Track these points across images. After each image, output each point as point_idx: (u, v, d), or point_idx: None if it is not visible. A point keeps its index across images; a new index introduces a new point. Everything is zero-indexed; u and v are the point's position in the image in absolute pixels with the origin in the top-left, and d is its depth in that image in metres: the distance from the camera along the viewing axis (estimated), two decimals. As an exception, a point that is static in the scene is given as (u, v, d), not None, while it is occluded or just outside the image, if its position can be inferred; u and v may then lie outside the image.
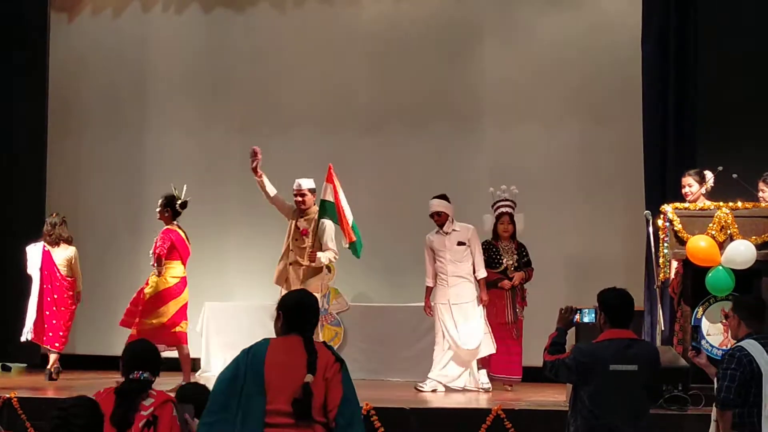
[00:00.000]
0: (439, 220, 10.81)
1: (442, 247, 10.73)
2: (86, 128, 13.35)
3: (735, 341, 6.50)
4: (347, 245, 10.25)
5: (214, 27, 13.28)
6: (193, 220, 12.58)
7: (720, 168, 9.45)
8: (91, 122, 13.35)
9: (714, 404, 6.43)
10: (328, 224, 10.22)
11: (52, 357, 11.34)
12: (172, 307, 10.34)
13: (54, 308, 11.47)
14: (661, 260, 9.04)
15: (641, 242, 10.29)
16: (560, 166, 12.27)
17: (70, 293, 11.55)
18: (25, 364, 12.28)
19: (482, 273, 10.65)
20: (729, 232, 8.80)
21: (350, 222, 10.21)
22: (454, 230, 10.76)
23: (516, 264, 10.84)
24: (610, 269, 11.54)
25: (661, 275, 9.12)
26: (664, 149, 11.10)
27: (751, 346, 6.24)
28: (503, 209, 10.91)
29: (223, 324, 12.18)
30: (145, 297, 10.33)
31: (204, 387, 6.01)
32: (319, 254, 10.07)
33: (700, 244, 8.76)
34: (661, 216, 9.00)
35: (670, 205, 9.04)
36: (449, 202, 10.86)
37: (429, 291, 10.81)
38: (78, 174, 13.25)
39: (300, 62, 12.99)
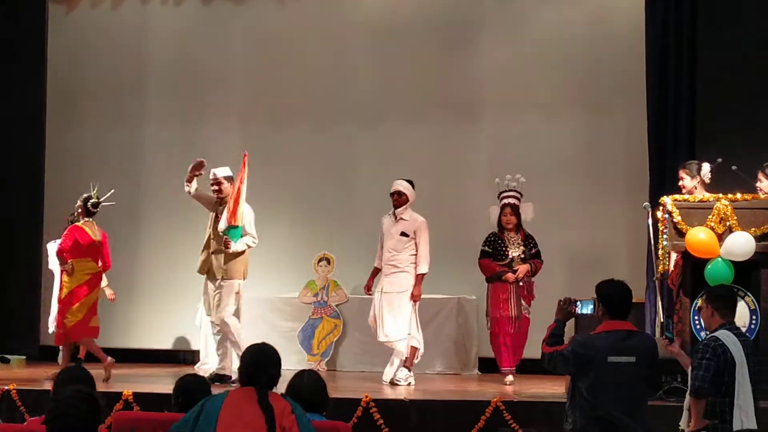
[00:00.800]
0: (398, 201, 10.61)
1: (387, 233, 10.55)
2: (85, 120, 13.32)
3: (709, 332, 6.54)
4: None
5: (212, 18, 13.25)
6: (192, 213, 12.61)
7: (719, 160, 9.45)
8: (90, 114, 13.33)
9: (687, 393, 6.47)
10: (247, 210, 10.31)
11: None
12: (85, 304, 10.51)
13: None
14: (660, 252, 9.04)
15: (643, 234, 10.28)
16: (561, 158, 12.25)
17: None
18: (24, 356, 12.28)
19: (423, 269, 10.42)
20: (728, 223, 8.79)
21: (240, 209, 10.23)
22: (402, 218, 10.57)
23: (523, 256, 10.60)
24: (611, 261, 11.54)
25: (660, 267, 9.12)
26: (665, 139, 11.10)
27: (726, 336, 6.31)
28: (506, 200, 10.69)
29: (221, 316, 12.15)
30: (60, 297, 10.57)
31: (202, 378, 6.02)
32: (234, 243, 10.25)
33: (699, 236, 8.75)
34: (661, 208, 8.99)
35: (670, 197, 9.03)
36: (413, 188, 10.71)
37: (375, 272, 10.69)
38: (76, 165, 13.21)
39: (299, 54, 12.97)
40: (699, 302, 8.70)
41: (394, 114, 12.77)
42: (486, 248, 10.69)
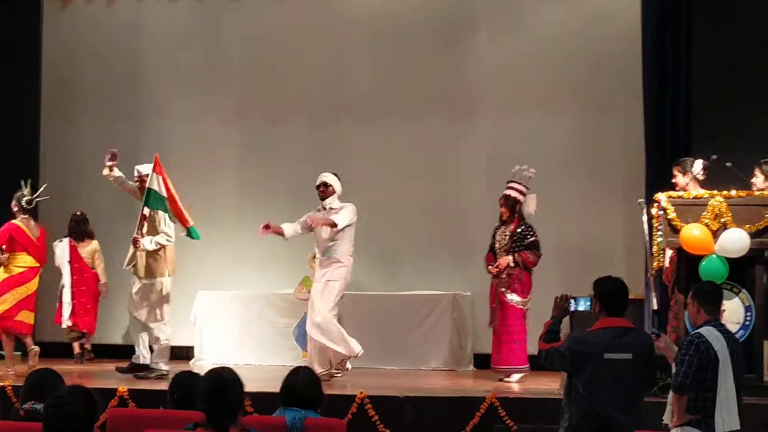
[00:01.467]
0: (324, 192, 10.53)
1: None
2: (80, 116, 13.31)
3: (694, 328, 6.56)
4: (184, 232, 10.50)
5: (208, 14, 13.23)
6: (188, 209, 12.59)
7: (714, 156, 9.46)
8: (86, 110, 13.32)
9: (671, 388, 6.49)
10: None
11: (79, 341, 12.03)
12: (14, 295, 10.81)
13: (85, 296, 11.97)
14: (654, 249, 9.06)
15: (640, 230, 10.27)
16: (558, 156, 12.23)
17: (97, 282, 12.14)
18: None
19: (337, 220, 10.28)
20: (723, 220, 8.80)
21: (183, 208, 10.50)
22: (332, 208, 10.51)
23: (507, 247, 10.51)
24: (609, 258, 11.54)
25: (655, 264, 9.14)
26: (663, 138, 11.11)
27: (709, 333, 6.33)
28: (505, 191, 10.65)
29: (216, 312, 12.18)
30: None
31: (197, 375, 6.00)
32: (142, 240, 10.39)
33: (693, 233, 8.77)
34: (655, 204, 9.00)
35: (664, 193, 9.04)
36: (339, 180, 10.63)
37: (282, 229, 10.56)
38: (72, 162, 13.22)
39: (296, 50, 12.96)
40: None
41: (392, 111, 12.77)
42: (491, 241, 10.71)
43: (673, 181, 9.59)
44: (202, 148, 13.05)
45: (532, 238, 10.51)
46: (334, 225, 10.31)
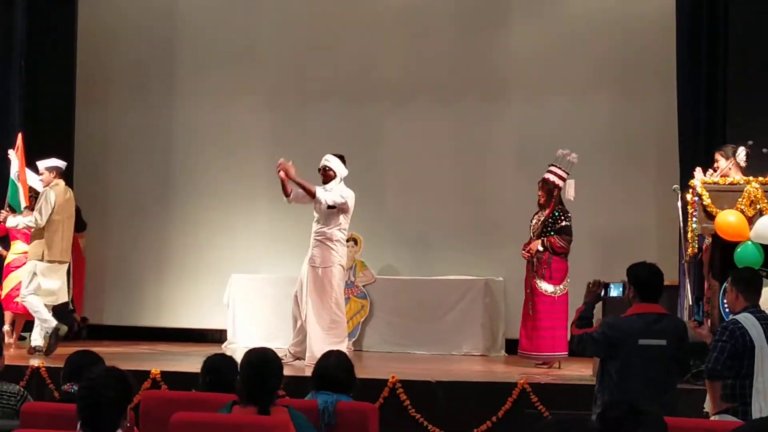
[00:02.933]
0: (325, 176, 10.34)
1: (317, 207, 10.27)
2: (114, 100, 13.36)
3: (732, 314, 6.51)
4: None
5: (241, -1, 13.26)
6: (220, 191, 12.66)
7: (750, 142, 9.37)
8: (119, 94, 13.37)
9: (705, 374, 6.45)
10: (46, 193, 10.72)
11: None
12: (13, 280, 11.31)
13: (79, 284, 12.26)
14: (689, 235, 8.98)
15: (673, 217, 10.20)
16: (590, 140, 12.15)
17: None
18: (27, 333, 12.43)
19: (318, 191, 10.10)
20: (759, 206, 8.72)
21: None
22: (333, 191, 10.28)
23: (539, 232, 10.42)
24: (641, 243, 11.46)
25: (690, 250, 9.06)
26: (697, 121, 11.01)
27: (746, 319, 6.28)
28: (544, 175, 10.52)
29: (249, 296, 12.21)
30: None
31: (229, 357, 6.02)
32: (10, 218, 10.84)
33: (729, 219, 8.69)
34: (690, 190, 8.93)
35: (699, 179, 8.97)
36: (344, 163, 10.45)
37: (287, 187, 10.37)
38: (105, 145, 13.28)
39: (327, 35, 12.95)
40: (726, 285, 8.65)
41: (423, 95, 12.73)
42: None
43: (715, 165, 9.45)
44: (235, 131, 13.07)
45: (563, 223, 10.39)
46: (313, 196, 10.12)
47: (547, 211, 10.50)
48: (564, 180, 10.51)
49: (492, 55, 12.62)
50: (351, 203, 10.26)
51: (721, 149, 9.56)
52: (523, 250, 10.54)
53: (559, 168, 10.53)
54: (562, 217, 10.42)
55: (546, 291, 10.37)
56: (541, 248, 10.37)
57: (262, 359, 5.38)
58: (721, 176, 9.17)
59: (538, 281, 10.39)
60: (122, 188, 13.15)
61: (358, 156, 12.66)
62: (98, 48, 13.37)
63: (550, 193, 10.50)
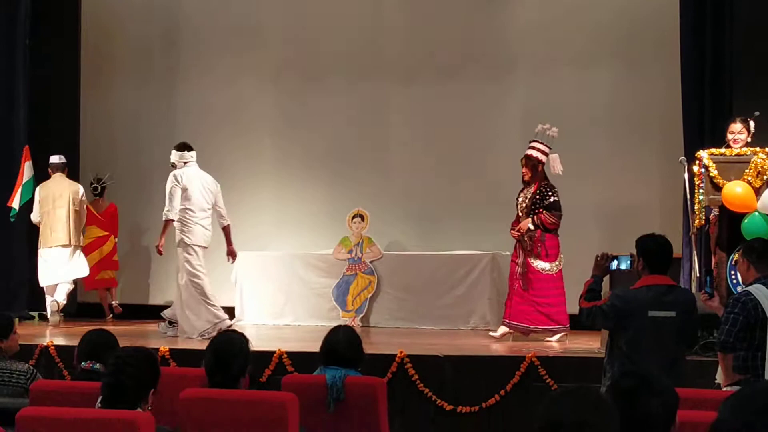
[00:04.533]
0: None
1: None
2: (118, 80, 13.35)
3: (744, 286, 6.48)
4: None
5: (245, -25, 13.21)
6: (227, 170, 12.64)
7: (757, 113, 9.33)
8: (123, 74, 13.35)
9: (716, 347, 6.44)
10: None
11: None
12: (90, 261, 12.17)
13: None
14: (696, 207, 8.96)
15: (678, 188, 10.18)
16: (595, 113, 12.14)
17: None
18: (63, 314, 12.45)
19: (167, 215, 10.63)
20: (765, 177, 8.69)
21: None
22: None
23: (527, 210, 10.30)
24: (645, 216, 11.44)
25: (697, 222, 9.04)
26: (702, 93, 10.96)
27: (758, 290, 6.25)
28: (526, 151, 10.43)
29: (256, 273, 12.22)
30: None
31: (238, 334, 5.97)
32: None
33: (735, 190, 8.66)
34: (697, 162, 8.89)
35: (706, 150, 8.93)
36: (180, 150, 10.96)
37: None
38: (110, 126, 13.28)
39: (333, 11, 12.91)
40: (735, 256, 8.63)
41: (428, 70, 12.69)
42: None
43: (735, 137, 9.28)
44: (240, 109, 13.06)
45: (551, 199, 10.30)
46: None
47: (533, 188, 10.38)
48: (546, 155, 10.42)
49: (496, 30, 12.58)
50: (169, 186, 10.70)
51: (740, 120, 9.36)
52: (512, 229, 10.43)
53: (541, 143, 10.44)
54: (550, 193, 10.33)
55: (543, 269, 10.30)
56: (532, 226, 10.27)
57: (227, 343, 5.39)
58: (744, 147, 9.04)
59: (533, 260, 10.29)
60: (128, 168, 13.14)
61: (364, 132, 12.70)
62: (102, 28, 13.35)
63: (535, 168, 10.38)
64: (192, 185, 10.67)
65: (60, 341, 9.58)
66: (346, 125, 12.73)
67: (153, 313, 12.36)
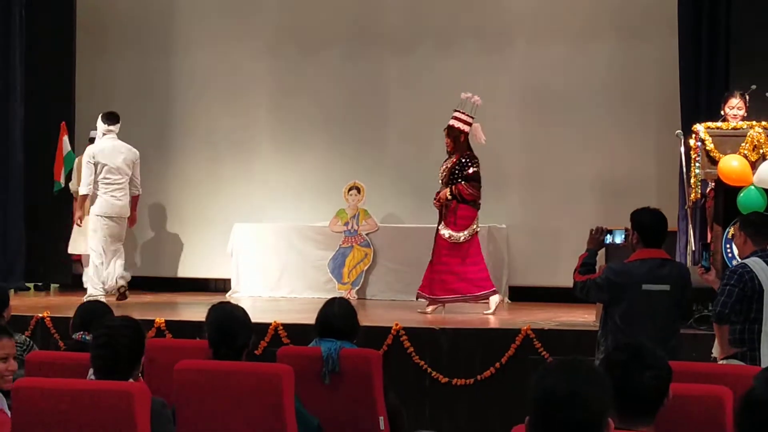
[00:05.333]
0: None
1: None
2: (113, 49, 13.29)
3: (741, 259, 6.50)
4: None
5: (241, -54, 13.14)
6: (221, 142, 12.63)
7: (753, 87, 9.32)
8: (119, 43, 13.29)
9: (711, 318, 6.47)
10: None
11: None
12: None
13: None
14: (692, 180, 8.96)
15: (674, 162, 10.19)
16: (592, 86, 12.10)
17: None
18: (57, 285, 12.50)
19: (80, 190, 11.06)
20: (762, 151, 8.68)
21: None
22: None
23: (447, 180, 10.22)
24: (642, 189, 11.43)
25: (692, 195, 9.04)
26: (699, 67, 10.94)
27: (755, 263, 6.28)
28: (449, 121, 10.34)
29: (252, 245, 12.22)
30: None
31: (233, 307, 5.97)
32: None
33: (732, 164, 8.66)
34: (693, 135, 8.88)
35: (702, 124, 8.92)
36: (111, 119, 11.26)
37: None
38: (106, 95, 13.22)
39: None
40: (731, 230, 8.65)
41: (425, 42, 12.65)
42: None
43: (734, 112, 9.26)
44: (235, 79, 13.01)
45: (470, 170, 10.20)
46: None
47: (454, 159, 10.30)
48: (469, 125, 10.34)
49: (493, 2, 12.53)
50: (85, 160, 11.07)
51: (740, 94, 9.37)
52: (435, 199, 10.39)
53: (463, 113, 10.36)
54: (470, 164, 10.22)
55: (443, 235, 10.25)
56: (450, 196, 10.20)
57: (231, 316, 5.44)
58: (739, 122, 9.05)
59: (441, 227, 10.27)
60: (123, 139, 13.07)
61: (360, 104, 12.67)
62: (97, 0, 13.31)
63: (457, 139, 10.29)
64: (105, 159, 11.02)
65: (55, 312, 9.58)
66: (343, 96, 12.70)
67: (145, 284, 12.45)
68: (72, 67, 12.87)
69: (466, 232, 10.24)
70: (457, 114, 10.34)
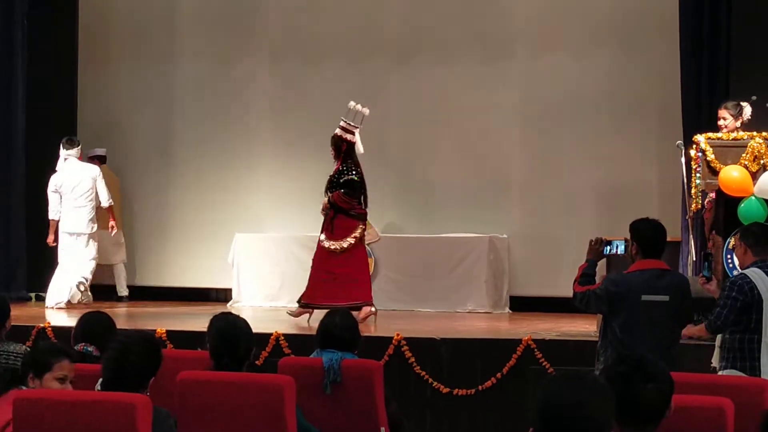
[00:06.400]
0: None
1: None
2: (115, 60, 13.31)
3: (742, 270, 6.50)
4: None
5: (242, -44, 13.17)
6: (222, 151, 12.65)
7: (754, 97, 9.33)
8: (121, 54, 13.31)
9: (706, 328, 6.46)
10: None
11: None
12: None
13: None
14: (693, 191, 8.97)
15: (676, 172, 10.19)
16: (593, 96, 12.11)
17: None
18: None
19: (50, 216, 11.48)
20: (762, 162, 8.69)
21: None
22: None
23: (326, 188, 10.29)
24: (643, 200, 11.44)
25: (693, 206, 9.05)
26: (700, 77, 10.96)
27: (755, 273, 6.28)
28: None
29: (253, 255, 12.23)
30: None
31: (233, 317, 5.98)
32: None
33: (732, 174, 8.66)
34: (694, 146, 8.90)
35: (703, 134, 8.93)
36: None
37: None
38: (107, 105, 13.25)
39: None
40: (732, 241, 8.65)
41: (426, 52, 12.67)
42: None
43: (720, 123, 9.36)
44: (236, 90, 13.03)
45: (347, 177, 10.20)
46: None
47: (335, 167, 10.33)
48: (352, 133, 10.33)
49: (494, 12, 12.55)
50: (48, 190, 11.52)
51: (728, 107, 9.45)
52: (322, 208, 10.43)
53: (345, 122, 10.38)
54: (347, 172, 10.22)
55: (323, 243, 10.28)
56: (329, 204, 10.25)
57: (232, 326, 5.44)
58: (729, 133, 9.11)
59: (321, 235, 10.31)
60: (124, 148, 13.13)
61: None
62: (100, 7, 13.32)
63: (338, 148, 10.30)
64: (65, 182, 11.48)
65: (58, 323, 9.57)
66: (344, 105, 12.67)
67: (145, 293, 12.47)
68: (74, 76, 12.91)
69: (343, 242, 10.22)
70: (342, 123, 10.38)
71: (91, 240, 11.53)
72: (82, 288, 11.50)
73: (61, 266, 11.46)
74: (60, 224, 11.45)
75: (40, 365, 4.98)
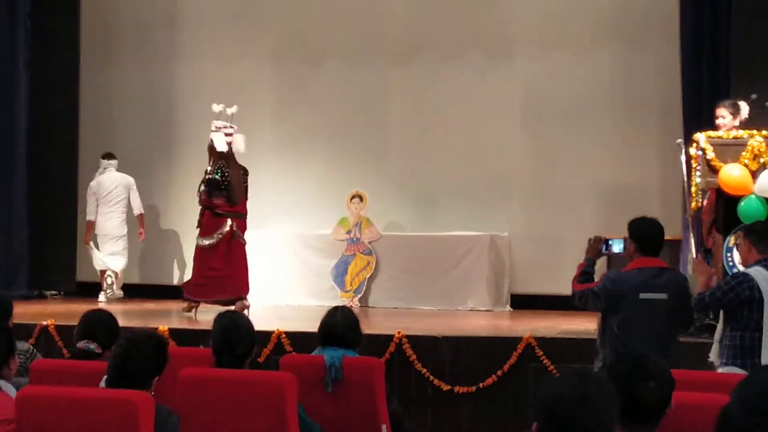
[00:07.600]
0: None
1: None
2: (118, 59, 13.34)
3: (745, 268, 6.51)
4: None
5: (244, -45, 13.19)
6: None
7: (753, 96, 9.34)
8: (123, 53, 13.34)
9: (718, 324, 6.47)
10: None
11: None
12: None
13: None
14: (693, 189, 8.98)
15: (677, 170, 10.18)
16: (594, 95, 12.12)
17: None
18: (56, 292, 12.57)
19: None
20: (762, 160, 8.69)
21: None
22: None
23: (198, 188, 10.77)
24: (644, 198, 11.45)
25: (693, 204, 9.06)
26: (701, 75, 10.97)
27: (757, 272, 6.28)
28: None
29: (255, 253, 12.21)
30: None
31: (242, 315, 6.03)
32: None
33: (732, 173, 8.68)
34: (694, 144, 8.90)
35: (703, 133, 8.94)
36: None
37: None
38: (110, 105, 13.28)
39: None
40: (731, 239, 8.67)
41: (427, 51, 12.69)
42: None
43: (718, 121, 9.36)
44: (238, 90, 13.02)
45: (209, 176, 10.70)
46: None
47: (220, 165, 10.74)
48: (230, 135, 10.70)
49: (495, 12, 12.57)
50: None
51: (726, 105, 9.46)
52: None
53: (222, 123, 10.75)
54: (212, 172, 10.71)
55: (197, 240, 10.75)
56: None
57: (234, 324, 5.47)
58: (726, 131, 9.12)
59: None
60: (127, 147, 13.14)
61: (362, 113, 12.70)
62: (102, 8, 13.34)
63: (212, 148, 10.77)
64: (101, 189, 12.19)
65: (59, 321, 9.60)
66: (346, 106, 12.73)
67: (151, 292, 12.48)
68: (77, 76, 12.93)
69: (212, 239, 10.60)
70: (218, 123, 10.79)
71: (121, 240, 12.25)
72: (109, 281, 12.21)
73: (95, 262, 12.25)
74: (95, 226, 12.23)
75: None
